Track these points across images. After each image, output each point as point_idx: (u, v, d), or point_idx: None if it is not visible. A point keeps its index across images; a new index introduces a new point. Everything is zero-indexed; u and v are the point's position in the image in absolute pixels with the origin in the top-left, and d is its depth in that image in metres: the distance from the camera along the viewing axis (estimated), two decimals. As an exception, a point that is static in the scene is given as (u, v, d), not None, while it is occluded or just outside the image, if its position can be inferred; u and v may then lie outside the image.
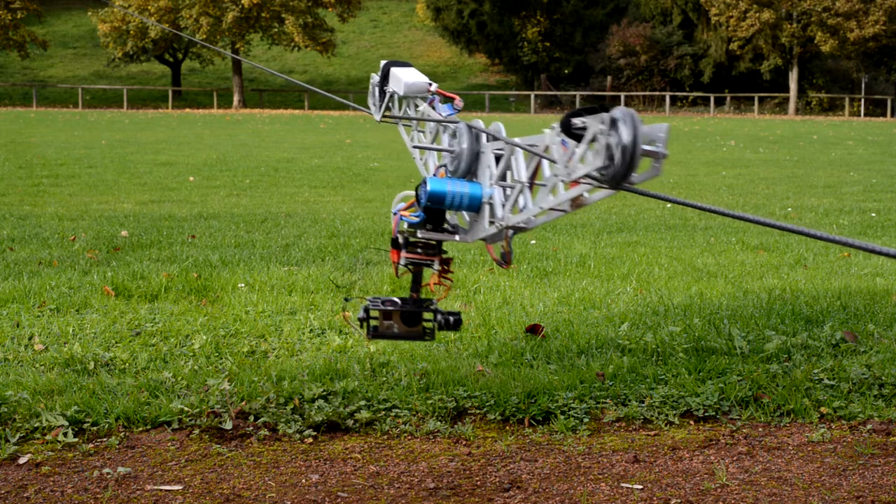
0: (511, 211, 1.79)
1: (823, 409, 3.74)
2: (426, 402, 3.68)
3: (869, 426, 3.61)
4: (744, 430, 3.59)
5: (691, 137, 30.15)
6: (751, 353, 4.32)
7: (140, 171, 14.64)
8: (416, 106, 2.39)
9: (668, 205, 10.95)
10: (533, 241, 7.85)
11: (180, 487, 3.02)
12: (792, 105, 59.37)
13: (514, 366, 4.11)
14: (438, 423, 3.54)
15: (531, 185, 1.73)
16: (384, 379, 3.91)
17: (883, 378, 3.99)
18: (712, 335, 4.51)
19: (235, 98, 56.54)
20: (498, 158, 1.89)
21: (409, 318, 2.09)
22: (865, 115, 58.32)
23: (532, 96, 59.05)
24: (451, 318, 2.06)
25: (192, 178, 13.48)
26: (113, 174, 14.01)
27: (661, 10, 63.38)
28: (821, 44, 57.45)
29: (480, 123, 1.93)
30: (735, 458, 3.34)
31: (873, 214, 10.30)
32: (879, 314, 5.06)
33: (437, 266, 2.07)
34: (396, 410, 3.63)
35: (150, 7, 53.29)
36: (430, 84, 2.29)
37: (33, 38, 56.46)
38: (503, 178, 1.86)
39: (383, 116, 2.50)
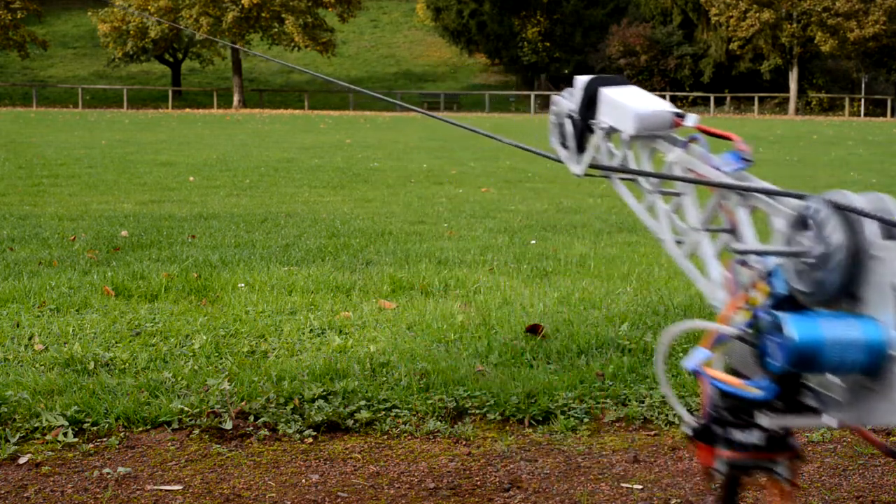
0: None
1: (823, 409, 3.74)
2: (426, 402, 3.68)
3: (869, 426, 3.61)
4: (744, 430, 3.59)
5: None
6: (751, 353, 4.32)
7: (140, 171, 14.64)
8: (673, 156, 1.51)
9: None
10: (533, 241, 7.85)
11: (180, 487, 3.02)
12: (792, 105, 59.37)
13: (514, 366, 4.11)
14: (438, 423, 3.54)
15: None
16: (384, 379, 3.91)
17: (883, 378, 3.99)
18: (712, 335, 4.51)
19: (235, 98, 56.54)
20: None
21: None
22: (865, 115, 58.32)
23: (532, 96, 59.04)
24: None
25: (192, 178, 13.48)
26: (113, 174, 14.01)
27: (661, 10, 63.39)
28: (821, 44, 57.46)
29: (853, 198, 1.15)
30: (735, 458, 3.34)
31: (873, 214, 10.31)
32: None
33: (783, 471, 1.25)
34: (396, 410, 3.63)
35: (150, 7, 53.27)
36: (680, 114, 1.51)
37: (33, 38, 56.46)
38: None
39: (591, 168, 1.66)
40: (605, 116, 1.60)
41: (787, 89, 60.37)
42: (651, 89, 60.74)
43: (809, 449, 3.43)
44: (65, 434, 3.34)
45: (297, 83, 62.28)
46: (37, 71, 62.19)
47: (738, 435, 1.22)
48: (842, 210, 1.14)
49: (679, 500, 3.00)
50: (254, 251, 7.06)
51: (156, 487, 3.02)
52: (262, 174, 14.48)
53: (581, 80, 1.66)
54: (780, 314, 1.12)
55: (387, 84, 63.40)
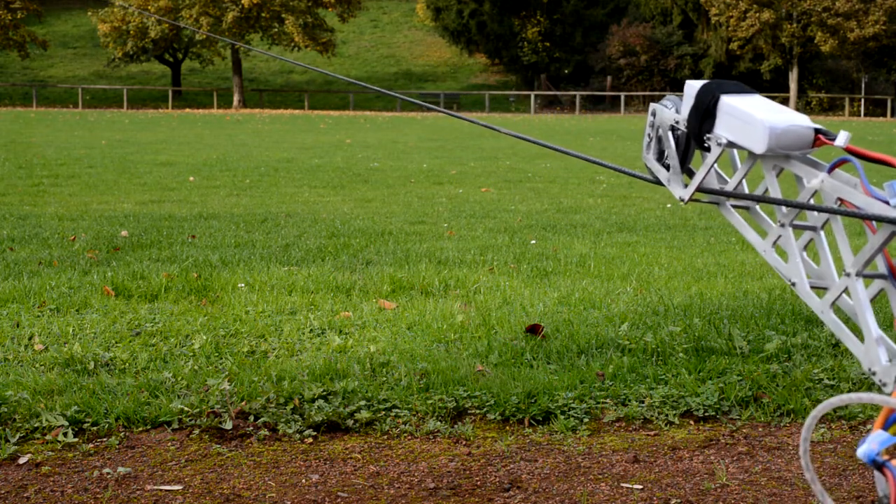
0: None
1: (823, 409, 3.74)
2: (426, 402, 3.68)
3: (869, 426, 3.61)
4: (744, 430, 3.59)
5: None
6: (751, 353, 4.32)
7: (140, 171, 14.64)
8: (811, 182, 1.26)
9: (668, 204, 10.96)
10: (533, 241, 7.85)
11: (180, 487, 3.02)
12: (792, 105, 59.37)
13: (514, 366, 4.11)
14: (438, 423, 3.54)
15: None
16: (384, 379, 3.91)
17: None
18: (712, 335, 4.51)
19: (235, 98, 56.54)
20: None
21: None
22: (865, 115, 58.32)
23: (532, 96, 59.03)
24: None
25: (192, 178, 13.48)
26: (113, 174, 14.01)
27: (661, 10, 63.38)
28: (821, 44, 57.45)
29: None
30: (735, 458, 3.34)
31: (873, 214, 10.30)
32: (879, 314, 5.06)
33: None
34: (396, 410, 3.63)
35: (150, 7, 53.27)
36: (824, 132, 1.25)
37: (33, 38, 56.46)
38: None
39: (704, 192, 1.36)
40: (723, 130, 1.29)
41: (787, 89, 60.37)
42: (651, 89, 60.83)
43: (809, 449, 3.43)
44: (65, 434, 3.34)
45: (297, 83, 62.26)
46: (37, 71, 62.18)
47: None
48: None
49: (679, 500, 3.00)
50: (254, 251, 7.06)
51: (156, 487, 3.02)
52: (262, 174, 14.48)
53: (694, 86, 1.37)
54: None
55: (387, 84, 63.37)
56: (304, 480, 3.10)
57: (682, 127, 1.36)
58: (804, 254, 1.28)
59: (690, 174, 1.36)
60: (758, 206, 1.35)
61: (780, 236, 1.29)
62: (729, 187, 1.33)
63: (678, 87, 61.13)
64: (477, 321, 4.82)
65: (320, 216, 9.40)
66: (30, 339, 4.46)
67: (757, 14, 57.17)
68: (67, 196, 11.10)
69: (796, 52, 59.07)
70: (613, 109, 59.85)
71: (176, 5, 54.19)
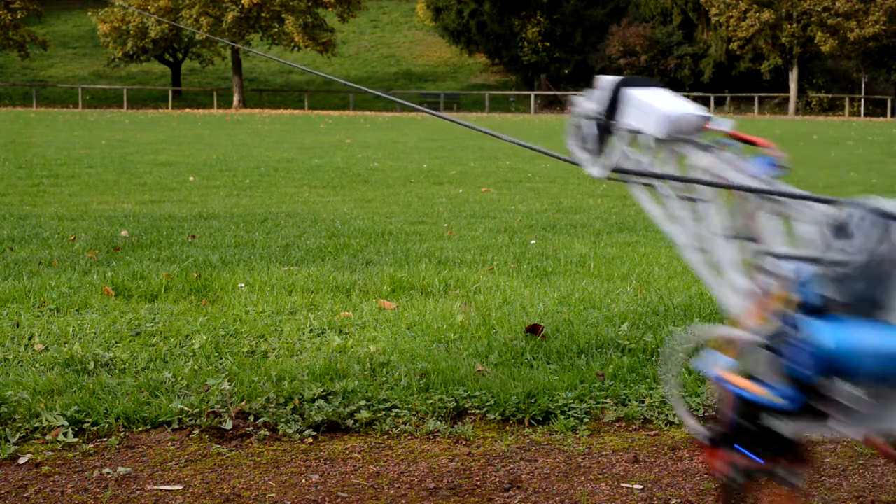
0: None
1: (823, 409, 3.74)
2: (426, 402, 3.68)
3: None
4: (744, 430, 3.58)
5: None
6: (751, 353, 4.32)
7: (140, 171, 14.64)
8: (697, 160, 1.48)
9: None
10: (533, 241, 7.85)
11: (180, 487, 3.02)
12: (792, 105, 59.37)
13: (514, 366, 4.11)
14: (438, 423, 3.54)
15: None
16: (384, 379, 3.91)
17: (883, 378, 3.99)
18: (712, 335, 4.51)
19: (235, 98, 56.55)
20: None
21: None
22: (865, 115, 58.33)
23: (532, 96, 59.05)
24: None
25: (192, 178, 13.48)
26: (113, 174, 14.01)
27: (661, 10, 63.39)
28: (821, 44, 57.46)
29: (887, 205, 1.12)
30: (735, 458, 3.34)
31: None
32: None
33: (790, 476, 1.23)
34: (396, 410, 3.63)
35: (150, 7, 53.27)
36: (710, 118, 1.49)
37: (33, 38, 56.46)
38: None
39: (616, 171, 1.56)
40: (629, 118, 1.51)
41: (787, 89, 60.36)
42: (651, 89, 60.64)
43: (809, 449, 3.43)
44: (65, 434, 3.34)
45: (297, 83, 62.27)
46: (37, 71, 62.18)
47: (755, 443, 1.18)
48: (886, 218, 1.08)
49: (679, 500, 3.00)
50: (254, 251, 7.06)
51: (156, 487, 3.02)
52: (262, 174, 14.48)
53: (606, 81, 1.57)
54: (813, 322, 1.10)
55: (387, 84, 63.39)
56: (304, 480, 3.10)
57: (598, 117, 1.55)
58: (697, 224, 1.46)
59: (605, 157, 1.56)
60: (663, 185, 1.51)
61: (673, 210, 1.52)
62: (631, 167, 1.54)
63: (678, 87, 61.15)
64: (477, 321, 4.82)
65: (320, 216, 9.40)
66: (30, 339, 4.46)
67: (757, 14, 57.17)
68: (67, 196, 11.10)
69: (796, 52, 59.07)
70: (613, 109, 59.79)
71: (176, 5, 54.18)
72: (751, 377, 1.18)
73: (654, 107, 1.44)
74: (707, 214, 1.41)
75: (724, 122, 1.48)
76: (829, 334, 1.07)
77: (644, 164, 1.51)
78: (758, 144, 1.42)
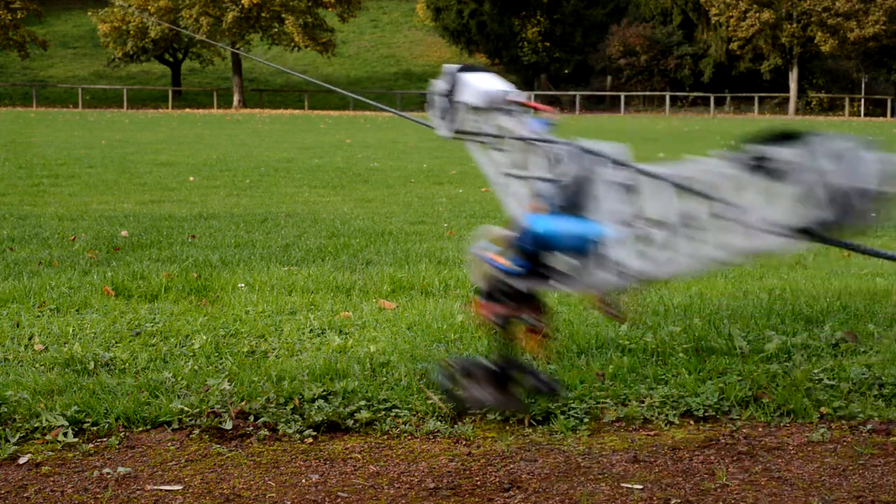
0: (640, 258, 1.47)
1: (823, 409, 3.74)
2: (426, 402, 3.68)
3: (869, 426, 3.61)
4: (744, 430, 3.59)
5: (691, 137, 30.15)
6: (751, 353, 4.32)
7: (140, 171, 14.64)
8: (498, 121, 1.99)
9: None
10: (533, 241, 7.85)
11: (180, 487, 3.02)
12: (792, 105, 59.38)
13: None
14: (438, 423, 3.54)
15: (680, 226, 1.40)
16: (384, 379, 3.91)
17: (883, 378, 3.99)
18: (712, 335, 4.51)
19: (235, 98, 56.56)
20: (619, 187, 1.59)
21: (500, 379, 1.81)
22: (865, 115, 58.33)
23: (532, 96, 59.06)
24: (549, 384, 1.79)
25: (192, 178, 13.48)
26: (113, 174, 14.01)
27: (661, 10, 63.40)
28: (821, 44, 57.48)
29: (593, 145, 1.64)
30: (735, 458, 3.34)
31: (873, 214, 10.30)
32: (879, 314, 5.06)
33: (532, 318, 1.76)
34: (396, 410, 3.63)
35: (150, 7, 53.28)
36: (508, 93, 1.95)
37: (33, 38, 56.49)
38: (630, 215, 1.51)
39: (457, 133, 2.07)
40: (462, 95, 2.03)
41: (787, 89, 60.37)
42: (651, 89, 60.79)
43: (809, 449, 3.43)
44: (65, 434, 3.34)
45: (297, 83, 62.30)
46: (37, 71, 62.20)
47: (507, 297, 1.76)
48: (584, 152, 1.64)
49: (679, 500, 3.00)
50: (254, 251, 7.06)
51: (156, 487, 3.02)
52: (262, 174, 14.48)
53: (449, 68, 2.14)
54: (530, 216, 1.68)
55: (387, 84, 63.41)
56: (304, 480, 3.10)
57: (444, 94, 2.08)
58: (501, 164, 1.97)
59: (449, 122, 2.09)
60: (486, 140, 2.01)
61: (491, 157, 2.02)
62: (468, 128, 2.06)
63: (678, 87, 61.15)
64: (477, 321, 4.81)
65: (320, 216, 9.40)
66: (30, 339, 4.46)
67: (757, 14, 57.19)
68: (67, 196, 11.10)
69: (796, 52, 59.09)
70: (613, 109, 59.86)
71: (176, 5, 54.19)
72: (503, 255, 1.74)
73: (476, 86, 1.98)
74: (508, 158, 1.93)
75: (520, 95, 1.98)
76: (540, 223, 1.62)
77: (472, 125, 2.02)
78: (538, 109, 1.92)
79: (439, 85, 2.12)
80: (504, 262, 1.70)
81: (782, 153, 1.25)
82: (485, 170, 1.99)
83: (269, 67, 64.33)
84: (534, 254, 1.65)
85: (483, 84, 1.97)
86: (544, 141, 1.77)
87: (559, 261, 1.63)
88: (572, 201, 1.59)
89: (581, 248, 1.56)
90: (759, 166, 1.26)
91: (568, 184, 1.63)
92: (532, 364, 1.71)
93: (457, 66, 2.11)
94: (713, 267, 1.40)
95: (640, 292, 1.57)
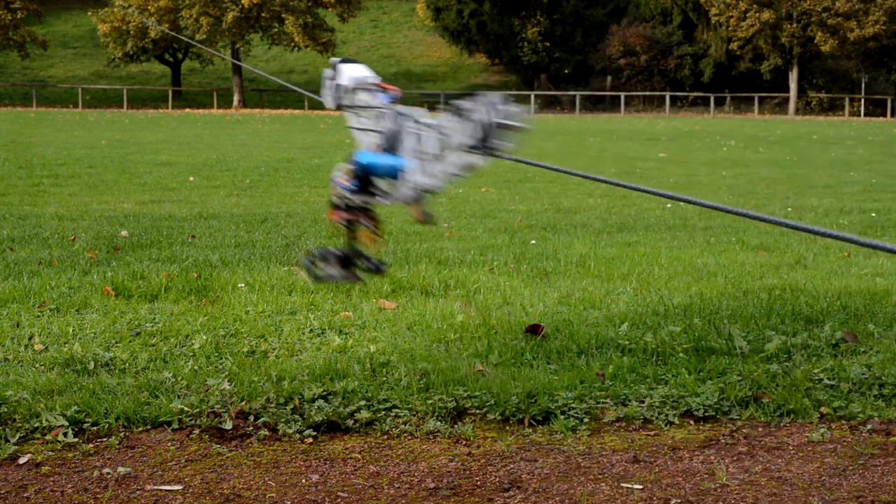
0: (424, 176, 2.20)
1: (823, 409, 3.74)
2: (426, 402, 3.68)
3: (869, 426, 3.61)
4: (744, 430, 3.59)
5: (691, 137, 30.15)
6: (751, 353, 4.32)
7: (140, 171, 14.65)
8: (360, 96, 2.63)
9: (668, 204, 10.95)
10: (533, 242, 7.85)
11: (180, 487, 3.02)
12: (792, 105, 59.39)
13: (514, 366, 4.11)
14: (438, 423, 3.54)
15: (436, 156, 2.17)
16: (384, 379, 3.91)
17: (883, 378, 3.99)
18: (712, 335, 4.51)
19: (235, 98, 56.56)
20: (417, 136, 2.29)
21: (344, 262, 2.42)
22: (865, 115, 58.34)
23: (532, 96, 59.06)
24: (377, 265, 2.42)
25: (192, 178, 13.48)
26: (113, 174, 14.01)
27: (661, 10, 63.39)
28: (821, 44, 57.47)
29: (409, 110, 2.35)
30: (735, 458, 3.34)
31: (873, 214, 10.30)
32: (879, 314, 5.06)
33: (367, 223, 2.37)
34: (396, 410, 3.63)
35: (150, 7, 53.29)
36: (372, 78, 2.60)
37: (33, 38, 56.48)
38: (419, 151, 2.23)
39: (338, 106, 2.70)
40: (341, 80, 2.52)
41: (787, 89, 60.37)
42: (651, 89, 60.81)
43: (809, 449, 3.43)
44: (65, 434, 3.34)
45: (297, 83, 62.25)
46: (37, 71, 62.19)
47: (347, 207, 2.33)
48: (399, 114, 2.28)
49: (679, 500, 3.00)
50: (254, 251, 7.06)
51: (156, 487, 3.02)
52: (262, 174, 14.48)
53: (334, 60, 2.61)
54: (360, 152, 2.31)
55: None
56: (304, 480, 3.10)
57: (330, 78, 2.55)
58: (369, 130, 2.42)
59: (341, 105, 2.53)
60: (358, 111, 2.47)
61: (363, 123, 2.47)
62: (346, 103, 2.52)
63: (678, 87, 61.15)
64: (477, 321, 4.82)
65: (320, 216, 9.40)
66: (30, 339, 4.46)
67: (757, 14, 57.18)
68: (67, 196, 11.10)
69: (796, 52, 59.08)
70: (613, 109, 59.87)
71: (176, 5, 54.19)
72: (346, 178, 2.33)
73: (349, 73, 2.50)
74: (367, 120, 2.44)
75: (376, 78, 2.48)
76: (365, 157, 2.27)
77: (346, 100, 2.50)
78: (387, 88, 2.42)
79: (327, 72, 2.64)
80: (346, 182, 2.31)
81: (464, 103, 2.02)
82: (352, 129, 2.52)
83: (269, 68, 64.33)
84: (364, 177, 2.30)
85: (353, 72, 2.52)
86: (383, 108, 2.39)
87: (379, 182, 2.29)
88: (390, 144, 2.26)
89: (392, 173, 2.23)
90: (455, 112, 2.05)
91: (388, 133, 2.29)
92: (366, 252, 2.34)
93: (339, 59, 2.61)
94: (455, 179, 2.14)
95: (428, 201, 2.12)
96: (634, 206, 10.95)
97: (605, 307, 5.19)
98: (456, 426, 3.53)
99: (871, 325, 4.75)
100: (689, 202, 1.67)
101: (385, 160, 2.24)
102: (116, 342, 4.42)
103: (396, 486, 3.08)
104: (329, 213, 2.35)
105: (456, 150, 2.07)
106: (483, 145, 1.99)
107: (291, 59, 64.70)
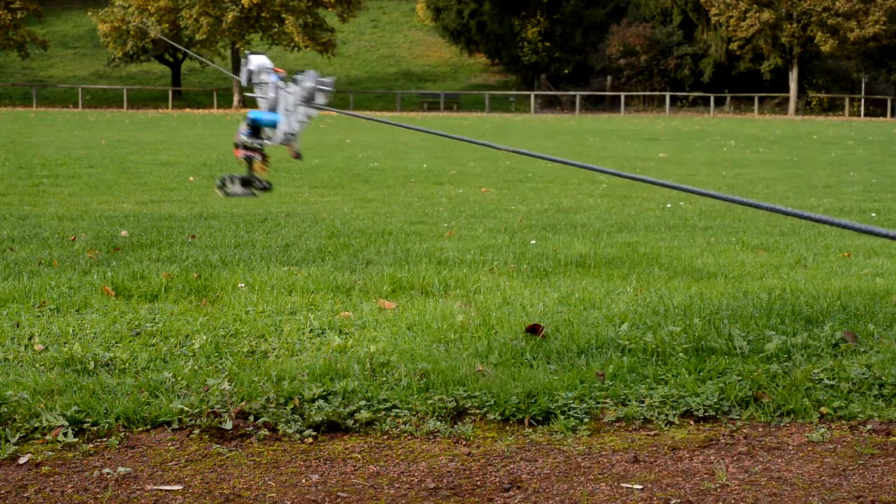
0: (287, 125, 3.05)
1: (823, 409, 3.74)
2: (426, 402, 3.68)
3: (869, 426, 3.61)
4: (744, 430, 3.59)
5: (691, 137, 30.16)
6: (751, 353, 4.32)
7: (140, 171, 14.65)
8: (262, 76, 3.37)
9: (668, 204, 10.96)
10: (533, 241, 7.85)
11: (180, 487, 3.03)
12: (792, 105, 59.38)
13: (514, 366, 4.11)
14: (438, 423, 3.54)
15: (291, 111, 3.03)
16: (384, 379, 3.91)
17: (883, 378, 3.99)
18: (712, 335, 4.51)
19: (235, 98, 56.54)
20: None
21: (244, 182, 3.17)
22: (865, 115, 58.34)
23: (532, 96, 59.05)
24: (266, 185, 3.20)
25: (192, 178, 13.48)
26: (113, 174, 14.01)
27: (661, 10, 63.38)
28: (821, 44, 57.46)
29: (284, 84, 3.09)
30: (735, 458, 3.34)
31: (873, 214, 10.31)
32: (879, 314, 5.06)
33: (259, 158, 3.17)
34: (396, 410, 3.63)
35: (150, 7, 53.29)
36: (269, 64, 3.36)
37: (33, 38, 56.49)
38: (285, 109, 3.05)
39: (249, 83, 3.43)
40: (250, 66, 3.16)
41: (787, 89, 60.37)
42: (651, 89, 60.81)
43: (809, 449, 3.43)
44: (65, 434, 3.35)
45: (297, 83, 62.28)
46: (37, 71, 62.19)
47: (245, 147, 3.12)
48: (279, 88, 3.05)
49: (679, 500, 3.00)
50: (254, 251, 7.06)
51: (156, 487, 3.02)
52: (262, 174, 14.46)
53: (246, 52, 3.31)
54: (252, 112, 3.07)
55: (387, 84, 63.42)
56: (304, 480, 3.10)
57: (245, 64, 3.18)
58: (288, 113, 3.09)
59: (251, 82, 3.20)
60: (261, 89, 3.15)
61: (267, 94, 3.16)
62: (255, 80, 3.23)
63: (678, 87, 61.16)
64: (477, 321, 4.82)
65: (320, 216, 9.41)
66: (30, 339, 4.46)
67: (757, 14, 57.18)
68: (67, 196, 11.10)
69: (796, 52, 59.08)
70: (613, 109, 59.87)
71: (176, 5, 54.18)
72: (244, 127, 3.10)
73: (255, 61, 3.14)
74: (265, 93, 3.14)
75: (271, 64, 3.16)
76: (254, 114, 3.04)
77: (254, 79, 3.16)
78: (278, 71, 3.11)
79: (243, 61, 3.31)
80: (244, 130, 3.11)
81: (297, 77, 2.96)
82: (258, 98, 3.18)
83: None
84: (255, 127, 3.10)
85: (258, 60, 3.18)
86: (271, 83, 3.11)
87: (265, 130, 3.10)
88: (272, 106, 3.04)
89: (271, 124, 3.05)
90: (294, 81, 2.96)
91: (272, 100, 3.05)
92: (259, 177, 3.17)
93: (249, 51, 3.29)
94: (303, 125, 3.02)
95: (296, 141, 3.05)
96: (634, 206, 10.95)
97: (605, 307, 5.19)
98: (456, 426, 3.53)
99: (871, 325, 4.75)
100: (696, 193, 1.66)
101: (267, 116, 3.09)
102: (116, 342, 4.42)
103: (396, 486, 3.08)
104: (234, 151, 3.19)
105: (298, 105, 3.01)
106: (309, 101, 2.98)
107: (291, 59, 64.68)
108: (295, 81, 3.04)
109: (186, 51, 5.88)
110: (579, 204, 11.10)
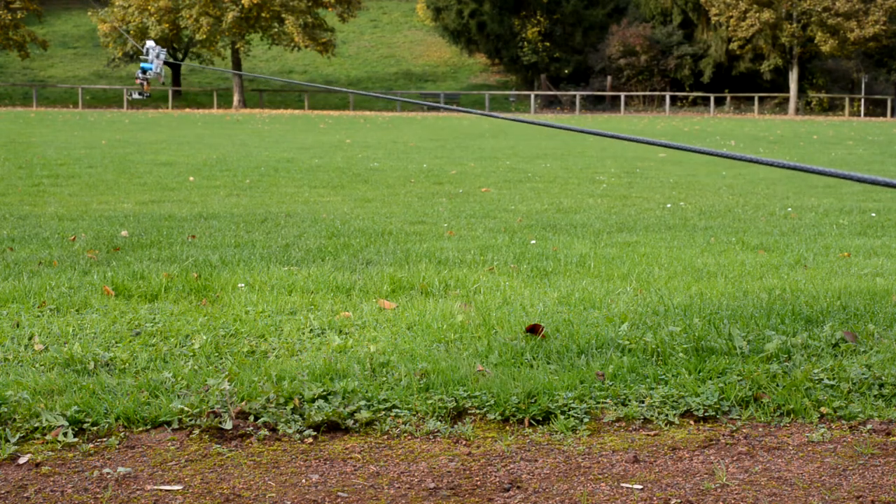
0: (158, 69, 4.39)
1: (823, 409, 3.74)
2: (426, 402, 3.68)
3: (869, 426, 3.61)
4: (744, 430, 3.59)
5: (691, 137, 30.16)
6: (751, 353, 4.32)
7: (140, 171, 14.65)
8: (156, 51, 4.81)
9: (668, 204, 10.96)
10: (533, 241, 7.85)
11: (180, 487, 3.03)
12: (792, 105, 59.38)
13: (514, 366, 4.11)
14: (438, 423, 3.54)
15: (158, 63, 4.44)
16: (384, 379, 3.91)
17: (883, 378, 3.99)
18: (712, 335, 4.51)
19: (235, 98, 56.55)
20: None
21: (140, 94, 4.37)
22: (865, 115, 58.33)
23: (532, 96, 59.06)
24: (148, 94, 4.35)
25: (192, 178, 13.48)
26: (113, 174, 14.01)
27: (661, 10, 63.38)
28: (821, 44, 57.46)
29: (160, 52, 4.73)
30: (735, 458, 3.34)
31: (873, 214, 10.30)
32: (879, 314, 5.06)
33: (146, 84, 4.57)
34: (396, 410, 3.63)
35: (149, 7, 53.29)
36: (156, 46, 4.76)
37: (33, 38, 56.49)
38: (157, 61, 4.41)
39: (146, 53, 4.79)
40: (148, 45, 4.19)
41: (787, 89, 60.36)
42: (651, 89, 60.85)
43: (809, 449, 3.43)
44: (65, 434, 3.34)
45: (297, 83, 62.28)
46: (37, 71, 62.18)
47: (142, 79, 4.98)
48: (159, 52, 5.02)
49: (679, 500, 3.00)
50: (254, 251, 7.06)
51: (156, 487, 3.02)
52: (262, 174, 14.48)
53: (147, 41, 4.67)
54: (143, 63, 5.00)
55: (387, 84, 63.40)
56: (304, 480, 3.10)
57: (148, 48, 4.62)
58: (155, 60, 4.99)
59: (147, 54, 4.85)
60: (156, 58, 4.91)
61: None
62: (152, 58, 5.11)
63: (678, 87, 61.16)
64: (477, 321, 4.82)
65: (320, 216, 9.41)
66: (30, 339, 4.46)
67: (757, 14, 57.17)
68: (67, 196, 11.10)
69: (796, 52, 59.07)
70: (613, 109, 59.87)
71: (176, 5, 54.18)
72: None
73: (149, 43, 4.41)
74: (155, 56, 4.72)
75: (154, 45, 4.71)
76: (144, 65, 4.90)
77: (151, 54, 4.47)
78: (164, 48, 4.65)
79: (147, 43, 4.59)
80: (139, 73, 4.38)
81: (156, 49, 4.90)
82: (153, 64, 4.30)
83: (269, 68, 64.32)
84: (144, 70, 4.30)
85: (150, 44, 4.34)
86: (159, 51, 4.45)
87: (147, 73, 4.39)
88: (152, 59, 4.22)
89: (150, 69, 4.42)
90: (153, 48, 4.75)
91: (151, 59, 4.21)
92: (144, 91, 4.56)
93: (149, 40, 4.04)
94: (161, 70, 4.53)
95: (162, 76, 4.18)
96: (634, 206, 10.95)
97: (605, 307, 5.19)
98: (456, 426, 3.53)
99: (871, 325, 4.75)
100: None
101: (149, 66, 4.63)
102: (116, 342, 4.42)
103: (396, 486, 3.08)
104: (136, 80, 4.60)
105: (160, 62, 4.48)
106: (158, 58, 4.56)
107: (291, 59, 64.68)
108: (157, 53, 4.89)
109: (178, 62, 7.13)
110: (579, 204, 11.10)
